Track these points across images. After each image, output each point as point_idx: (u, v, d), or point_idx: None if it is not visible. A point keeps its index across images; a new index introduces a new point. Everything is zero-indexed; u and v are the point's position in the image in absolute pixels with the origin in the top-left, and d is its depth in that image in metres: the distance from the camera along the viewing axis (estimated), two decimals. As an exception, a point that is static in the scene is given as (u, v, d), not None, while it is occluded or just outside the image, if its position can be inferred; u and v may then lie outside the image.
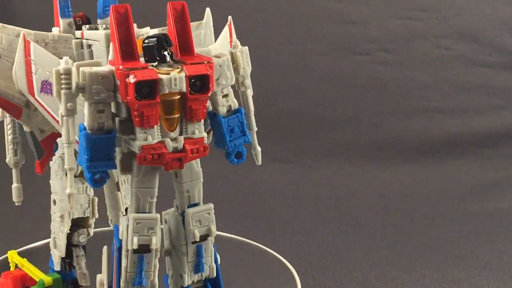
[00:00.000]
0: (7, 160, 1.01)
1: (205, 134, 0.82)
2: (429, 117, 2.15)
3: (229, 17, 0.91)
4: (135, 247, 0.82)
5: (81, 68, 0.76)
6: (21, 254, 1.10)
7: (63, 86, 0.76)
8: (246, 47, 0.88)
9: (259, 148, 0.91)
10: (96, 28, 0.92)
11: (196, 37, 0.95)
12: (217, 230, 1.04)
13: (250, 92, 0.89)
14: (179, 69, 0.78)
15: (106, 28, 0.89)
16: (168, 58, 0.79)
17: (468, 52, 2.18)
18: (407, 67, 2.17)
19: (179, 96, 0.78)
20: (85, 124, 0.78)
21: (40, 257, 1.08)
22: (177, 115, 0.79)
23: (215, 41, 0.96)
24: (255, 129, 0.90)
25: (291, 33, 2.14)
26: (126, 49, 0.78)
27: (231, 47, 0.88)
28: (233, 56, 0.86)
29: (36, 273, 1.03)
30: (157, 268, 0.86)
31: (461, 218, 1.73)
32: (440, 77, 2.18)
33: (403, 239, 1.59)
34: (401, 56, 2.16)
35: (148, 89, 0.75)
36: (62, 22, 0.93)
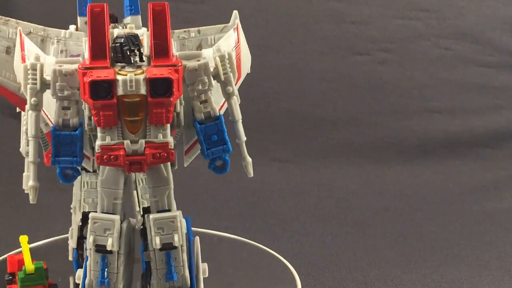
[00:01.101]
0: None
1: (170, 139, 0.79)
2: (429, 117, 2.15)
3: (237, 21, 0.90)
4: (90, 246, 0.83)
5: (46, 65, 0.78)
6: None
7: (29, 81, 0.78)
8: (231, 52, 0.85)
9: (249, 159, 0.87)
10: (117, 27, 0.92)
11: (219, 41, 0.93)
12: (217, 230, 1.04)
13: (235, 100, 0.84)
14: (141, 71, 0.77)
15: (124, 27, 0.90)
16: (133, 59, 0.78)
17: (468, 52, 2.18)
18: (407, 67, 2.17)
19: (139, 99, 0.77)
20: (53, 120, 0.80)
21: (40, 257, 1.08)
22: (139, 118, 0.78)
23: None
24: (244, 139, 0.86)
25: (291, 33, 2.14)
26: (97, 48, 0.78)
27: (236, 51, 0.87)
28: None
29: (27, 260, 1.03)
30: (121, 272, 0.85)
31: (461, 218, 1.73)
32: (440, 77, 2.18)
33: (403, 239, 1.59)
34: (401, 56, 2.16)
35: (106, 89, 0.75)
36: (79, 20, 0.94)
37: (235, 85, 0.85)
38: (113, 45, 0.78)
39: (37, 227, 1.48)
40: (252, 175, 0.86)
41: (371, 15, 2.16)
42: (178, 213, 0.84)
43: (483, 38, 2.19)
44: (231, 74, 0.83)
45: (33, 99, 0.79)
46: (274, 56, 2.11)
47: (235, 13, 0.97)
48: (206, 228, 1.32)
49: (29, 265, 1.02)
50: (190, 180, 1.64)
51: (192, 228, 1.02)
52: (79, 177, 0.97)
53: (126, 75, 0.76)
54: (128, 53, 0.77)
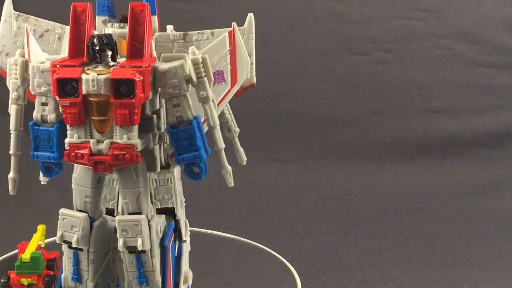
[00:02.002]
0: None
1: (135, 142, 0.78)
2: (429, 117, 2.15)
3: (233, 24, 0.89)
4: (57, 241, 0.84)
5: (25, 61, 0.81)
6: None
7: (12, 76, 0.81)
8: (206, 56, 0.81)
9: (228, 168, 0.84)
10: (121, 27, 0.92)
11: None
12: (217, 230, 1.04)
13: (210, 106, 0.82)
14: (108, 71, 0.76)
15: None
16: (102, 59, 0.78)
17: (468, 52, 2.18)
18: (407, 67, 2.17)
19: (105, 99, 0.77)
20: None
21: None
22: (106, 118, 0.78)
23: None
24: (221, 146, 0.83)
25: (291, 33, 2.14)
26: (76, 46, 0.79)
27: (231, 53, 0.85)
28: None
29: (28, 248, 1.05)
30: (92, 270, 0.86)
31: (461, 218, 1.73)
32: (440, 77, 2.18)
33: (403, 239, 1.59)
34: (401, 56, 2.16)
35: (74, 87, 0.76)
36: (97, 19, 0.93)
37: (230, 90, 0.85)
38: (87, 44, 0.78)
39: (37, 227, 1.48)
40: (232, 184, 0.83)
41: (371, 15, 2.16)
42: (143, 217, 0.82)
43: (483, 38, 2.19)
44: (205, 79, 0.80)
45: (14, 93, 0.82)
46: (274, 56, 2.11)
47: (250, 16, 0.97)
48: (206, 228, 1.32)
49: (26, 254, 1.02)
50: (190, 180, 1.64)
51: (193, 228, 1.03)
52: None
53: (90, 74, 0.77)
54: (98, 53, 0.78)
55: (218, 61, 0.86)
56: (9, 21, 0.95)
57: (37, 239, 1.08)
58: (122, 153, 0.78)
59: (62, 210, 0.85)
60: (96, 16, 0.94)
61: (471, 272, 1.42)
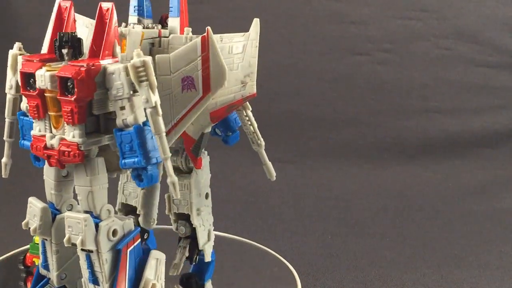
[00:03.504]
0: None
1: (79, 140, 0.78)
2: (429, 117, 2.16)
3: (207, 28, 0.83)
4: (23, 227, 0.87)
5: (17, 54, 0.84)
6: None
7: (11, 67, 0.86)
8: (149, 58, 0.77)
9: (174, 179, 0.77)
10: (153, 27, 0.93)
11: (242, 48, 0.91)
12: (217, 230, 1.04)
13: (151, 112, 0.77)
14: (58, 68, 0.78)
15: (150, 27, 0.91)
16: (60, 56, 0.79)
17: (468, 52, 2.19)
18: (407, 67, 2.17)
19: (55, 95, 0.78)
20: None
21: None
22: (60, 114, 0.79)
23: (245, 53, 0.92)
24: (167, 155, 0.77)
25: (291, 33, 2.14)
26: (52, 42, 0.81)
27: (202, 59, 0.81)
28: None
29: None
30: (55, 261, 0.88)
31: (461, 218, 1.73)
32: (440, 77, 2.18)
33: (403, 239, 1.59)
34: (401, 56, 2.16)
35: (34, 81, 0.79)
36: (130, 18, 0.94)
37: (203, 98, 0.81)
38: (53, 41, 0.80)
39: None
40: (178, 196, 0.78)
41: (371, 15, 2.16)
42: (86, 216, 0.81)
43: (483, 38, 2.19)
44: (144, 83, 0.77)
45: (8, 83, 0.86)
46: (274, 56, 2.11)
47: (256, 22, 0.92)
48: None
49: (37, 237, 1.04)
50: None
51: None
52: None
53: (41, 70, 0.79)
54: (58, 50, 0.79)
55: (188, 66, 0.82)
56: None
57: None
58: (68, 150, 0.79)
59: (30, 199, 0.88)
60: (129, 16, 0.94)
61: (471, 272, 1.42)
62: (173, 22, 0.92)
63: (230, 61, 0.89)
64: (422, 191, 1.91)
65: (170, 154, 0.77)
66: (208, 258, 1.02)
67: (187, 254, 1.01)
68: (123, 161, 0.78)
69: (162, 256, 0.88)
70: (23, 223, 0.87)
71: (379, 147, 2.10)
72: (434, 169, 2.03)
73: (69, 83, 0.76)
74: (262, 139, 1.02)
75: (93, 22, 0.90)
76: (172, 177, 0.77)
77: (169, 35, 0.91)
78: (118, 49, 0.81)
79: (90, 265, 0.83)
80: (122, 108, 0.78)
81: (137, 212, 1.02)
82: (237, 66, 0.91)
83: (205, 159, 0.99)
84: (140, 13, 0.92)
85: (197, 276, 1.05)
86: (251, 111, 1.02)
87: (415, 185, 1.94)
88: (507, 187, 1.96)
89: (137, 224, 1.03)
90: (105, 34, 0.79)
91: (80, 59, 0.79)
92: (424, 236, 1.61)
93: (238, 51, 0.91)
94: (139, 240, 0.85)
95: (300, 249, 1.51)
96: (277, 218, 1.69)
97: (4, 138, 0.88)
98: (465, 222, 1.70)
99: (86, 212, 0.82)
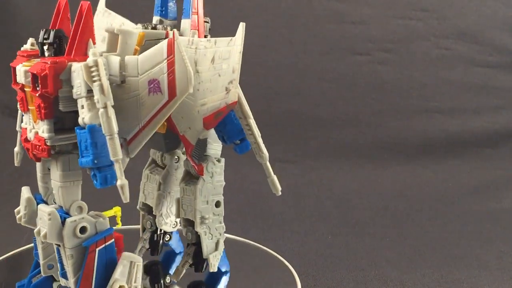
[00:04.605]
0: None
1: (46, 135, 0.79)
2: (429, 117, 2.16)
3: (173, 31, 0.81)
4: (15, 214, 0.89)
5: None
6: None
7: None
8: (101, 58, 0.77)
9: (122, 182, 0.76)
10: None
11: (228, 54, 0.90)
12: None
13: (102, 113, 0.76)
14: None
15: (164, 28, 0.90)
16: (41, 52, 0.81)
17: (468, 52, 2.19)
18: (407, 67, 2.17)
19: (30, 89, 0.80)
20: None
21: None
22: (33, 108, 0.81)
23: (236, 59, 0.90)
24: (116, 157, 0.75)
25: (291, 33, 2.14)
26: None
27: (168, 63, 0.79)
28: None
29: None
30: (41, 252, 0.89)
31: (461, 218, 1.73)
32: (440, 77, 2.18)
33: (403, 239, 1.59)
34: (401, 56, 2.16)
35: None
36: (154, 19, 0.93)
37: (169, 103, 0.79)
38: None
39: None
40: (127, 200, 0.76)
41: (371, 15, 2.16)
42: (50, 210, 0.82)
43: (483, 38, 2.19)
44: (96, 84, 0.76)
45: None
46: (274, 56, 2.11)
47: (242, 26, 0.90)
48: (206, 228, 1.32)
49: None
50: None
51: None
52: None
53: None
54: (40, 46, 0.81)
55: (154, 69, 0.80)
56: (98, 15, 0.97)
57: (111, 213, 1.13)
58: (38, 144, 0.80)
59: (22, 188, 0.89)
60: (154, 16, 0.94)
61: (471, 272, 1.42)
62: (185, 23, 0.92)
63: (219, 66, 0.88)
64: (422, 191, 1.91)
65: (120, 156, 0.75)
66: (213, 268, 0.98)
67: (191, 261, 0.99)
68: (80, 159, 0.78)
69: (138, 259, 0.86)
70: (15, 210, 0.88)
71: (379, 147, 2.10)
72: (434, 169, 2.03)
73: (36, 79, 0.78)
74: (265, 151, 0.97)
75: (125, 21, 0.91)
76: (121, 180, 0.75)
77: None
78: (93, 48, 0.80)
79: (60, 259, 0.84)
80: (82, 107, 0.78)
81: (154, 213, 1.02)
82: (224, 72, 0.89)
83: (216, 166, 0.96)
84: (163, 14, 0.92)
85: (206, 285, 1.04)
86: (252, 118, 0.97)
87: (415, 185, 1.94)
88: (507, 187, 1.96)
89: (154, 225, 1.04)
90: (79, 32, 0.80)
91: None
92: (424, 236, 1.61)
93: (226, 57, 0.89)
94: (112, 240, 0.84)
95: (300, 249, 1.51)
96: (277, 218, 1.69)
97: (17, 128, 0.90)
98: (465, 222, 1.70)
99: (60, 206, 0.83)
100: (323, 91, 2.14)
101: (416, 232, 1.63)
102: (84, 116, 0.77)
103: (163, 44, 0.79)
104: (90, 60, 0.76)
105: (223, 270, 1.03)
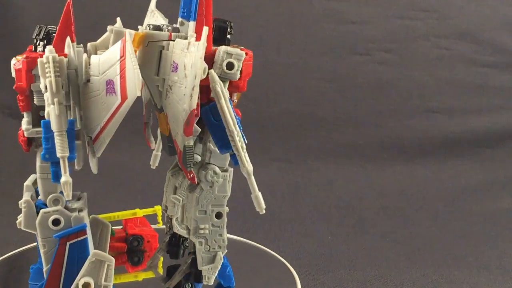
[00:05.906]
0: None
1: (24, 127, 0.83)
2: (429, 117, 2.15)
3: (126, 31, 0.80)
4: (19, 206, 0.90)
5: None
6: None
7: None
8: (49, 56, 0.77)
9: (65, 179, 0.76)
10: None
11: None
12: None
13: (51, 109, 0.77)
14: None
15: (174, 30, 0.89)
16: (34, 48, 0.83)
17: (468, 52, 2.18)
18: (407, 67, 2.17)
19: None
20: None
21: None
22: None
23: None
24: (63, 154, 0.77)
25: (291, 33, 2.14)
26: None
27: (121, 63, 0.77)
28: None
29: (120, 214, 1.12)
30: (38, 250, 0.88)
31: (461, 218, 1.73)
32: (440, 77, 2.18)
33: (403, 239, 1.59)
34: (401, 56, 2.16)
35: None
36: (178, 20, 0.91)
37: (121, 105, 0.77)
38: None
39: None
40: (69, 197, 0.77)
41: (371, 15, 2.16)
42: (25, 200, 0.85)
43: (483, 38, 2.19)
44: (47, 80, 0.77)
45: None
46: (274, 56, 2.11)
47: (205, 30, 0.83)
48: (206, 228, 1.32)
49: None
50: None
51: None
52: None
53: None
54: (34, 42, 0.83)
55: (110, 70, 0.78)
56: (148, 15, 0.96)
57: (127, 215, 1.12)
58: (21, 136, 0.84)
59: (27, 181, 0.91)
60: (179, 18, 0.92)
61: (471, 272, 1.42)
62: (190, 26, 0.89)
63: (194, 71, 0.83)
64: (422, 191, 1.91)
65: (67, 154, 0.77)
66: (207, 281, 0.96)
67: (187, 270, 0.98)
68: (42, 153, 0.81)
69: (109, 258, 0.85)
70: (19, 202, 0.89)
71: (379, 147, 2.09)
72: (434, 169, 2.03)
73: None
74: (247, 164, 0.89)
75: (163, 22, 0.91)
76: (65, 177, 0.76)
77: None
78: (70, 45, 0.80)
79: (38, 248, 0.87)
80: (46, 101, 0.79)
81: (169, 216, 1.00)
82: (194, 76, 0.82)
83: (219, 176, 0.94)
84: (185, 15, 0.88)
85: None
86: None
87: (415, 185, 1.94)
88: (507, 187, 1.96)
89: (172, 228, 1.00)
90: (57, 30, 0.81)
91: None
92: (424, 236, 1.61)
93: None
94: (85, 236, 0.85)
95: (300, 249, 1.51)
96: (277, 218, 1.69)
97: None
98: (465, 222, 1.70)
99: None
100: (323, 91, 2.14)
101: (416, 232, 1.63)
102: (46, 114, 0.79)
103: (118, 44, 0.79)
104: (44, 57, 0.77)
105: (227, 286, 1.00)
